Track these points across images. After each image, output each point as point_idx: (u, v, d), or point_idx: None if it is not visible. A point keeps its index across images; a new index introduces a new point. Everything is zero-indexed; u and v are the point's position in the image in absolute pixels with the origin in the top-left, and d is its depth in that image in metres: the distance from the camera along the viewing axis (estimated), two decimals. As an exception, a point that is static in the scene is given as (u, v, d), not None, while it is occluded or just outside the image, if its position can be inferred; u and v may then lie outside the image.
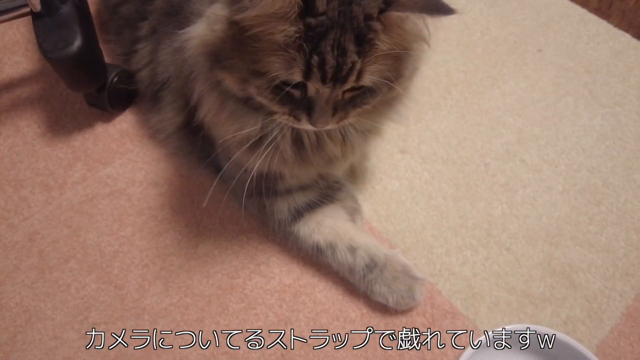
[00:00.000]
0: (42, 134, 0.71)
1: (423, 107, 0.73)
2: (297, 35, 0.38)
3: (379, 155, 0.68)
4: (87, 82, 0.64)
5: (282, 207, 0.59)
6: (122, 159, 0.68)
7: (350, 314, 0.57)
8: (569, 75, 0.78)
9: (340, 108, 0.44)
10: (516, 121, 0.73)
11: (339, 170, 0.59)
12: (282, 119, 0.46)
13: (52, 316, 0.57)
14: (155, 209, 0.63)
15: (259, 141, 0.49)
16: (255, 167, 0.50)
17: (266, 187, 0.57)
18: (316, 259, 0.59)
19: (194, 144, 0.61)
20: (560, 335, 0.45)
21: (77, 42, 0.60)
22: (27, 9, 0.63)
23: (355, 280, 0.57)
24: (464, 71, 0.77)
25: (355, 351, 0.54)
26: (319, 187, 0.60)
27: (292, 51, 0.39)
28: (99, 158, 0.68)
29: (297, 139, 0.50)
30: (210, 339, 0.55)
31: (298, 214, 0.59)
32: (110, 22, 0.72)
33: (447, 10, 0.38)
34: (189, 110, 0.58)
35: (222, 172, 0.57)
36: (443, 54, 0.79)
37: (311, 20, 0.38)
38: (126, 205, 0.64)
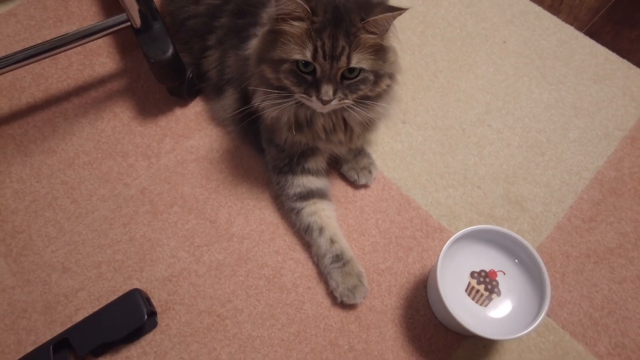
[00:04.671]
0: (134, 117, 0.95)
1: (417, 89, 0.99)
2: (307, 28, 0.61)
3: (387, 126, 0.93)
4: (175, 78, 0.88)
5: (299, 183, 0.79)
6: (200, 133, 0.93)
7: (371, 231, 0.83)
8: (525, 60, 1.04)
9: (340, 90, 0.64)
10: (485, 97, 0.98)
11: (343, 151, 0.81)
12: (300, 97, 0.66)
13: (167, 243, 0.83)
14: (231, 168, 0.89)
15: (297, 123, 0.72)
16: (297, 142, 0.74)
17: (297, 163, 0.79)
18: (302, 235, 0.80)
19: (244, 127, 0.84)
20: (509, 231, 0.72)
21: (170, 50, 0.84)
22: (127, 24, 0.86)
23: (322, 264, 0.76)
24: (447, 60, 1.02)
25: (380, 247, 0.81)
26: (325, 177, 0.83)
27: (304, 39, 0.61)
28: (182, 133, 0.93)
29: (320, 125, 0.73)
30: (280, 251, 0.81)
31: (308, 196, 0.79)
32: (179, 33, 0.93)
33: (401, 9, 0.61)
34: (244, 101, 0.82)
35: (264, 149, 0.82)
36: (431, 47, 1.04)
37: (315, 19, 0.61)
38: (209, 166, 0.89)
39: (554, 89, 1.00)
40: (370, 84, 0.67)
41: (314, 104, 0.66)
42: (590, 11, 1.13)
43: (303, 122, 0.73)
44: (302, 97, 0.66)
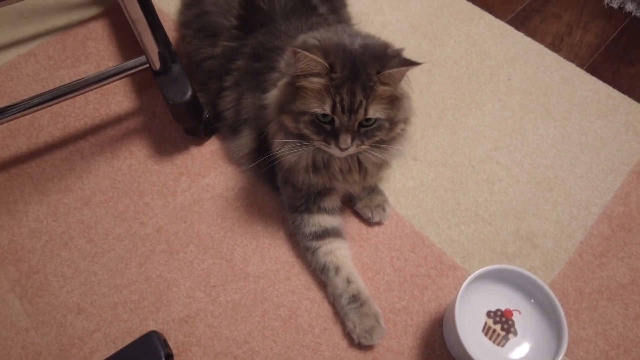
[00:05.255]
0: (150, 156, 0.97)
1: (426, 126, 1.01)
2: (326, 84, 0.64)
3: (399, 163, 0.95)
4: (193, 118, 0.91)
5: (315, 222, 0.80)
6: (216, 171, 0.94)
7: (386, 269, 0.84)
8: (530, 97, 1.07)
9: (357, 137, 0.67)
10: (493, 133, 1.01)
11: (358, 190, 0.84)
12: (319, 144, 0.69)
13: (184, 283, 0.83)
14: (247, 205, 0.90)
15: (314, 166, 0.75)
16: (314, 183, 0.76)
17: (313, 202, 0.80)
18: (318, 275, 0.80)
19: (260, 166, 0.84)
20: (525, 271, 0.73)
21: (189, 92, 0.86)
22: (146, 66, 0.88)
23: (339, 304, 0.76)
24: (454, 98, 1.05)
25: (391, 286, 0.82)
26: (339, 216, 0.84)
27: (324, 94, 0.65)
28: (198, 172, 0.94)
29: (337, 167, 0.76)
30: (296, 290, 0.82)
31: (323, 235, 0.80)
32: (196, 74, 0.96)
33: (415, 63, 0.64)
34: (260, 141, 0.84)
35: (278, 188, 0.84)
36: (438, 85, 1.07)
37: (334, 76, 0.64)
38: (224, 204, 0.90)
39: (559, 125, 1.03)
40: (385, 130, 0.70)
41: (333, 150, 0.69)
42: (590, 48, 1.17)
43: (320, 165, 0.76)
44: (322, 144, 0.69)
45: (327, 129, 0.68)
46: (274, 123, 0.74)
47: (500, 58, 1.13)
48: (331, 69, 0.64)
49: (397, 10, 1.19)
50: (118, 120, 1.02)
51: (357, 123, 0.67)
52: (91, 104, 1.04)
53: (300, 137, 0.71)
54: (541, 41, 1.17)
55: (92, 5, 1.19)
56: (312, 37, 0.69)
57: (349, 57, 0.66)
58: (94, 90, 1.05)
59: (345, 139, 0.67)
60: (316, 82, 0.65)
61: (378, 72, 0.65)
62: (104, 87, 1.06)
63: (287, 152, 0.73)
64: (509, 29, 1.18)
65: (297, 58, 0.64)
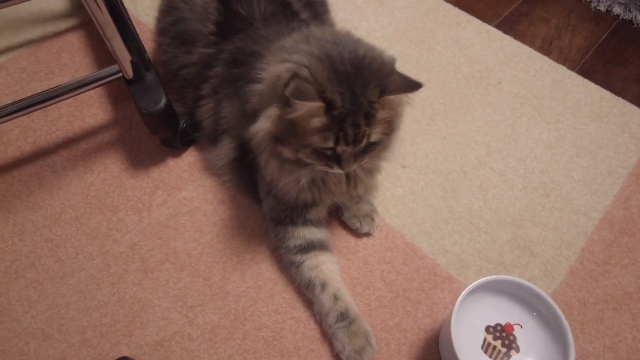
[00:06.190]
0: (125, 169, 0.92)
1: (415, 132, 0.97)
2: (327, 122, 0.60)
3: (387, 171, 0.90)
4: (168, 128, 0.86)
5: (300, 234, 0.75)
6: (194, 184, 0.89)
7: (377, 284, 0.79)
8: (522, 101, 1.03)
9: (358, 156, 0.65)
10: (484, 139, 0.97)
11: (345, 200, 0.80)
12: (320, 168, 0.66)
13: (159, 304, 0.77)
14: (226, 220, 0.85)
15: (312, 183, 0.71)
16: (302, 197, 0.72)
17: (299, 215, 0.75)
18: (303, 291, 0.75)
19: (241, 176, 0.82)
20: (525, 282, 0.68)
21: (163, 101, 0.82)
22: (120, 75, 0.84)
23: (326, 323, 0.71)
24: (443, 103, 1.02)
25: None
26: (326, 227, 0.80)
27: (326, 131, 0.61)
28: (175, 185, 0.89)
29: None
30: (280, 309, 0.76)
31: (308, 248, 0.75)
32: (173, 83, 0.91)
33: (418, 86, 0.61)
34: (241, 150, 0.79)
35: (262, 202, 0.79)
36: (426, 91, 1.03)
37: (334, 112, 0.60)
38: (202, 219, 0.85)
39: (552, 128, 0.99)
40: (383, 144, 0.67)
41: (335, 171, 0.66)
42: (580, 51, 1.15)
43: (319, 183, 0.73)
44: (324, 168, 0.66)
45: (328, 154, 0.64)
46: (266, 152, 0.69)
47: (489, 62, 1.10)
48: (331, 106, 0.60)
49: (381, 16, 1.17)
50: (92, 132, 0.97)
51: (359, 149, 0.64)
52: (64, 116, 0.99)
53: (298, 162, 0.67)
54: (530, 44, 1.14)
55: (68, 16, 1.16)
56: (297, 62, 0.62)
57: (345, 82, 0.60)
58: (68, 103, 1.01)
59: (349, 162, 0.64)
60: (316, 121, 0.60)
61: (381, 96, 0.61)
62: (78, 99, 1.01)
63: (285, 179, 0.69)
64: (497, 32, 1.16)
65: (294, 108, 0.59)
